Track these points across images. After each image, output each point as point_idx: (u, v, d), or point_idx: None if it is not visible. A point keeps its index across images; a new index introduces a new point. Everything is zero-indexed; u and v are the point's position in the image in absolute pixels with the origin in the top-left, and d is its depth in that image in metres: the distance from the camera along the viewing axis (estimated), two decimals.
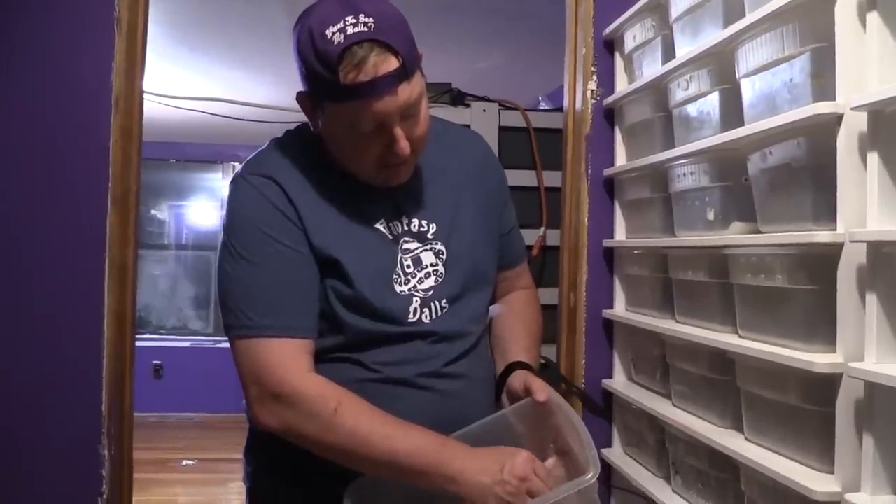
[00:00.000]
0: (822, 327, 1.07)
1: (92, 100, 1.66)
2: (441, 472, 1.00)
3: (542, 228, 2.11)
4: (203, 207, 6.00)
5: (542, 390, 1.10)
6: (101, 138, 1.67)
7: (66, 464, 1.66)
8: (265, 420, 1.06)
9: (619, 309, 1.80)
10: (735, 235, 1.25)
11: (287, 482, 1.18)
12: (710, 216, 1.35)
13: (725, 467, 1.31)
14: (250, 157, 1.17)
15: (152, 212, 5.92)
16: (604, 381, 1.81)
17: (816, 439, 1.08)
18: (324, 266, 1.10)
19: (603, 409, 1.82)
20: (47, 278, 1.66)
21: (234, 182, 1.14)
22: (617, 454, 1.79)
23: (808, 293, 1.08)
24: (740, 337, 1.25)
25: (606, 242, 1.80)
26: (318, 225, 1.10)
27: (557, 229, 1.95)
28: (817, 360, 1.02)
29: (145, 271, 5.59)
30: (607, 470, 1.84)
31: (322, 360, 1.11)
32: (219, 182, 5.86)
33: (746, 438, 1.25)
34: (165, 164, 5.80)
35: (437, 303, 1.14)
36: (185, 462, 4.40)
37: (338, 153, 1.11)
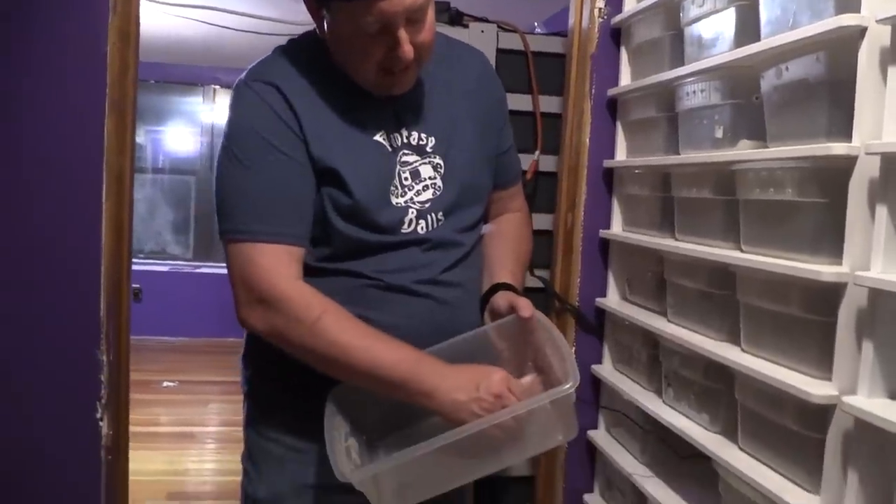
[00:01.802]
0: (828, 240, 1.10)
1: (88, 1, 1.61)
2: (417, 386, 1.02)
3: (537, 153, 2.11)
4: (182, 133, 5.88)
5: (527, 307, 1.11)
6: (98, 42, 1.62)
7: (65, 369, 1.67)
8: (251, 322, 1.08)
9: (616, 229, 1.82)
10: (747, 151, 1.27)
11: (282, 387, 1.21)
12: (719, 134, 1.37)
13: (720, 378, 1.36)
14: (254, 63, 1.15)
15: None
16: (597, 299, 1.85)
17: (815, 348, 1.12)
18: (322, 175, 1.11)
19: (595, 327, 1.87)
20: (46, 186, 1.63)
21: (236, 88, 1.13)
22: (607, 370, 1.84)
23: (816, 206, 1.11)
24: (743, 251, 1.28)
25: (607, 163, 1.82)
26: (319, 134, 1.10)
27: (552, 155, 1.96)
28: (824, 269, 1.05)
29: None
30: (597, 387, 1.90)
31: (318, 271, 1.13)
32: (199, 106, 5.71)
33: (743, 350, 1.29)
34: (145, 86, 5.62)
35: (433, 215, 1.16)
36: (165, 384, 4.42)
37: (341, 57, 1.10)
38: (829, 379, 1.08)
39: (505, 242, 1.32)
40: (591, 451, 1.89)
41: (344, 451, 1.04)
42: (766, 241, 1.21)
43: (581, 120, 1.82)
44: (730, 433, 1.36)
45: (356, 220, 1.11)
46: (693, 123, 1.45)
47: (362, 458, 1.10)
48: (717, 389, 1.38)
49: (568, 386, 0.97)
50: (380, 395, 1.07)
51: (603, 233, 1.83)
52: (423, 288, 1.15)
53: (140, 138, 5.86)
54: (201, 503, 2.98)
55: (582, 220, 1.84)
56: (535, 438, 1.08)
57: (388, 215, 1.12)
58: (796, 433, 1.14)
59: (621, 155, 1.80)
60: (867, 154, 1.01)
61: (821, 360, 1.11)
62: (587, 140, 1.81)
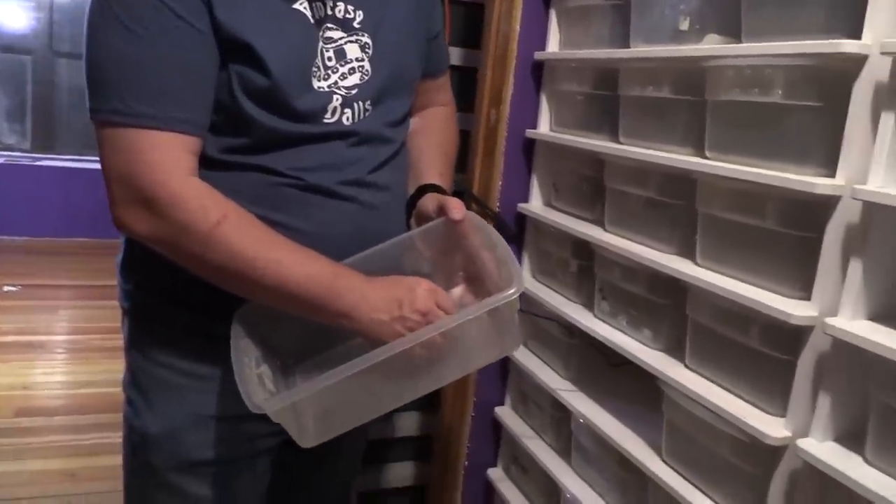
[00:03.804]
0: (817, 149, 1.00)
1: None
2: (334, 306, 0.91)
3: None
4: (12, 7, 5.09)
5: (459, 209, 1.01)
6: None
7: None
8: (131, 226, 0.91)
9: (544, 129, 1.68)
10: (731, 45, 1.14)
11: (176, 303, 1.04)
12: (684, 26, 1.23)
13: (667, 293, 1.29)
14: None
15: None
16: (520, 204, 1.72)
17: (791, 265, 1.05)
18: (229, 49, 0.93)
19: (516, 234, 1.75)
20: None
21: None
22: (527, 280, 1.74)
23: (808, 111, 1.01)
24: (708, 158, 1.17)
25: (539, 55, 1.65)
26: None
27: (462, 47, 1.77)
28: (819, 182, 0.96)
29: None
30: None
31: (219, 165, 0.97)
32: None
33: (698, 263, 1.21)
34: None
35: (360, 103, 1.02)
36: (6, 288, 3.96)
37: None
38: (807, 298, 1.01)
39: (433, 139, 1.22)
40: (504, 361, 1.81)
41: (255, 378, 0.92)
42: (740, 148, 1.11)
43: (511, 5, 1.63)
44: (674, 350, 1.29)
45: (270, 106, 0.95)
46: (651, 13, 1.31)
47: (277, 385, 0.98)
48: (662, 305, 1.30)
49: (511, 292, 0.87)
50: (293, 314, 0.95)
51: (530, 132, 1.68)
52: (348, 190, 1.02)
53: None
54: (53, 419, 2.71)
55: (507, 117, 1.68)
56: (474, 353, 0.99)
57: (308, 101, 0.97)
58: (761, 353, 1.08)
59: (554, 46, 1.64)
60: (881, 54, 0.90)
61: (796, 277, 1.04)
62: (517, 28, 1.63)
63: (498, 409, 1.82)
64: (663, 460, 1.26)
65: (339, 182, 1.01)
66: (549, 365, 1.64)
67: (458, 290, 1.03)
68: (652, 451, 1.30)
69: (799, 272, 1.03)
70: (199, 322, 1.03)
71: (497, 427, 1.84)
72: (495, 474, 1.83)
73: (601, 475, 1.46)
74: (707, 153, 1.17)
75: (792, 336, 1.01)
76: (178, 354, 1.05)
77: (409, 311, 0.91)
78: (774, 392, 1.06)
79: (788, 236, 1.04)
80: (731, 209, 1.13)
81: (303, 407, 0.88)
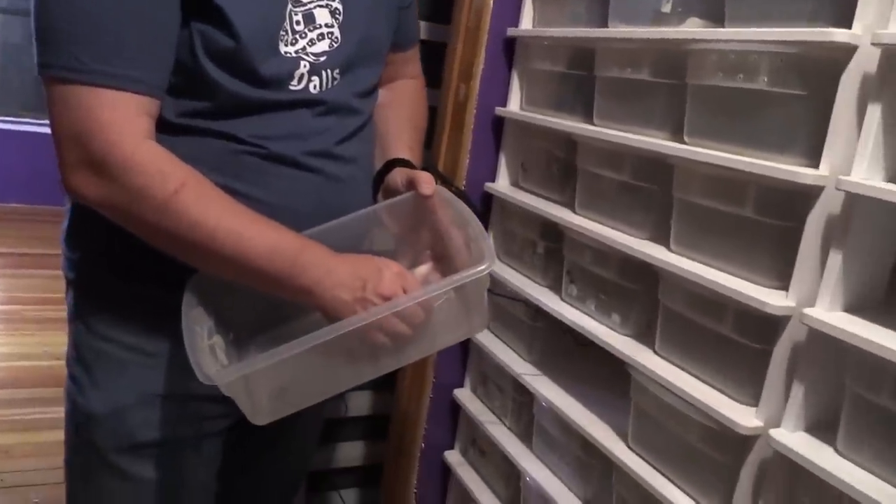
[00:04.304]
0: (800, 139, 0.99)
1: None
2: (297, 280, 0.87)
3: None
4: None
5: (428, 183, 0.98)
6: None
7: None
8: (82, 191, 0.86)
9: (514, 107, 1.65)
10: (712, 30, 1.12)
11: (124, 274, 0.99)
12: (666, 8, 1.21)
13: (638, 278, 1.27)
14: None
15: None
16: (487, 184, 1.69)
17: (767, 254, 1.04)
18: (193, 7, 0.87)
19: (482, 213, 1.71)
20: None
21: None
22: None
23: (792, 99, 1.00)
24: (686, 143, 1.16)
25: (512, 31, 1.61)
26: None
27: (429, 21, 1.73)
28: (803, 172, 0.95)
29: None
30: None
31: (178, 130, 0.93)
32: None
33: (671, 250, 1.20)
34: None
35: (328, 72, 0.98)
36: None
37: None
38: (782, 288, 1.01)
39: (402, 112, 1.19)
40: (464, 342, 1.78)
41: (207, 349, 0.89)
42: (720, 134, 1.10)
43: None
44: (643, 336, 1.28)
45: (234, 69, 0.90)
46: None
47: (230, 358, 0.94)
48: (633, 290, 1.29)
49: (482, 268, 0.85)
50: (252, 287, 0.90)
51: (499, 110, 1.65)
52: (314, 161, 0.98)
53: None
54: None
55: (477, 93, 1.64)
56: (440, 332, 0.95)
57: (274, 66, 0.92)
58: (734, 342, 1.07)
59: (528, 23, 1.60)
60: (872, 44, 0.89)
61: (772, 267, 1.03)
62: (490, 2, 1.59)
63: (457, 392, 1.80)
64: (629, 447, 1.26)
65: (304, 152, 0.97)
66: (511, 347, 1.62)
67: (424, 269, 1.00)
68: (618, 437, 1.29)
69: (776, 261, 1.02)
70: (148, 294, 0.98)
71: (455, 409, 1.82)
72: (452, 457, 1.81)
73: (563, 460, 1.45)
74: (686, 138, 1.16)
75: (767, 325, 1.01)
76: (126, 328, 1.00)
77: (372, 294, 0.87)
78: (746, 381, 1.06)
79: (767, 225, 1.04)
80: (708, 196, 1.12)
81: (256, 380, 0.84)
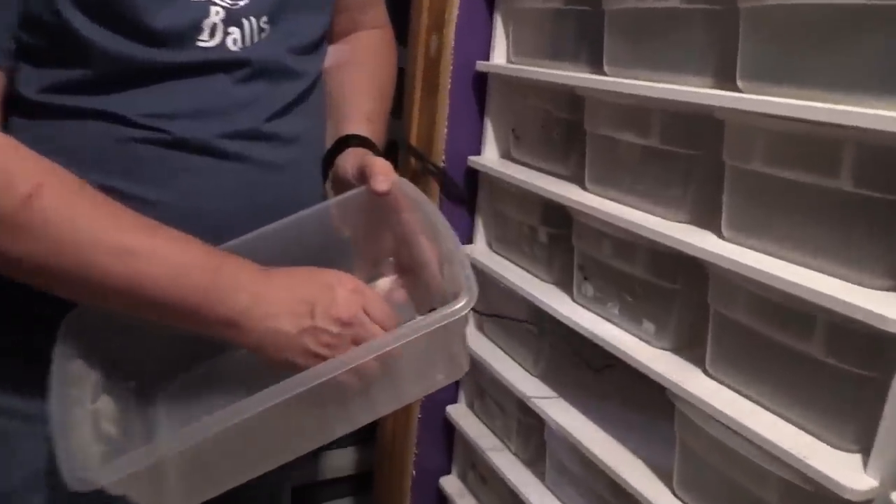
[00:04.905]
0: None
1: None
2: (213, 312, 0.66)
3: None
4: None
5: (384, 175, 0.77)
6: None
7: None
8: None
9: (500, 59, 1.33)
10: None
11: None
12: None
13: (677, 274, 0.97)
14: None
15: None
16: (471, 157, 1.38)
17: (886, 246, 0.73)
18: None
19: (466, 195, 1.41)
20: None
21: None
22: (481, 251, 1.41)
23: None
24: (740, 89, 0.84)
25: None
26: None
27: None
28: None
29: None
30: None
31: (39, 111, 0.71)
32: None
33: (723, 237, 0.90)
34: None
35: (252, 21, 0.76)
36: None
37: None
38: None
39: (361, 73, 0.96)
40: None
41: (89, 418, 0.68)
42: (794, 75, 0.78)
43: None
44: (685, 350, 0.99)
45: (113, 21, 0.69)
46: None
47: (126, 425, 0.72)
48: (669, 290, 0.98)
49: (461, 304, 0.65)
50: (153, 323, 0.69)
51: (481, 65, 1.33)
52: (235, 145, 0.76)
53: None
54: None
55: (452, 45, 1.32)
56: (408, 382, 0.75)
57: (172, 15, 0.70)
58: (827, 365, 0.77)
59: None
60: None
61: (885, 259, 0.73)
62: None
63: (450, 408, 1.51)
64: (675, 494, 0.97)
65: (223, 134, 0.75)
66: (513, 357, 1.33)
67: (385, 282, 0.81)
68: (657, 479, 1.01)
69: (879, 252, 0.72)
70: (22, 340, 0.75)
71: (449, 428, 1.53)
72: (450, 485, 1.53)
73: (584, 498, 1.16)
74: (739, 83, 0.85)
75: (876, 343, 0.71)
76: None
77: (323, 320, 0.66)
78: (845, 419, 0.77)
79: (867, 199, 0.73)
80: (777, 162, 0.81)
81: (157, 473, 0.63)
